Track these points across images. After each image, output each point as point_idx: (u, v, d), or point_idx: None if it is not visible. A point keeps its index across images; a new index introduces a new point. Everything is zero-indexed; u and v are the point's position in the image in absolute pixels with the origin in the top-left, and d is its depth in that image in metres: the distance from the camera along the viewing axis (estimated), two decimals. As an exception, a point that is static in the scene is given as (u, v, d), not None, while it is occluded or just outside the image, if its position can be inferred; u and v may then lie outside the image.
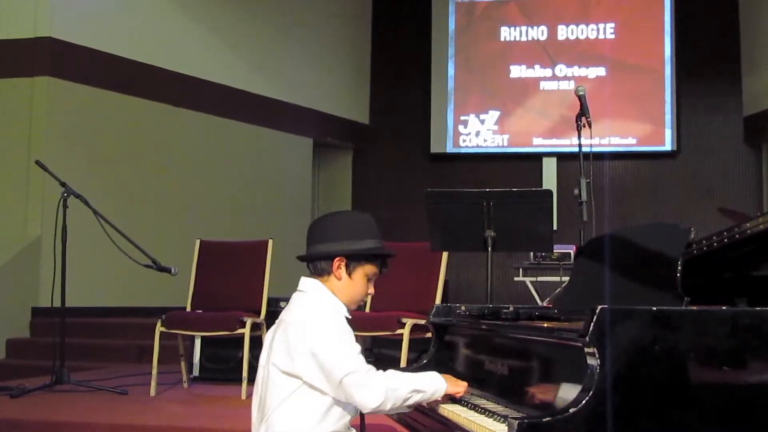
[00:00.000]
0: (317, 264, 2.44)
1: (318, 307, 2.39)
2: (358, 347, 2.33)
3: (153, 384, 5.02)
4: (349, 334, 2.35)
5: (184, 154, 8.50)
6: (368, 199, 10.59)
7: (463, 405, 2.36)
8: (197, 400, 4.89)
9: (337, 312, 2.40)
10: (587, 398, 1.84)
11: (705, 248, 2.25)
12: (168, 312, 5.13)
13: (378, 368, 2.35)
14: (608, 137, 9.95)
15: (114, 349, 6.81)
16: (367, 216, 2.52)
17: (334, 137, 10.53)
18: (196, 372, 5.74)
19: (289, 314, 2.41)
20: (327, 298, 2.43)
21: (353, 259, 2.43)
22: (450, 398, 2.40)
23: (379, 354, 5.66)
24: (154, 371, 5.02)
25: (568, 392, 1.95)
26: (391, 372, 2.37)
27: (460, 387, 2.40)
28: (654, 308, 1.91)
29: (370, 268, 2.46)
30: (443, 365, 2.81)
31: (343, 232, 2.43)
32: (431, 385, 2.36)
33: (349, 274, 2.44)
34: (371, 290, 2.50)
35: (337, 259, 2.42)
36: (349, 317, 2.45)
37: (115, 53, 7.83)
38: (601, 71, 10.17)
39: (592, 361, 1.87)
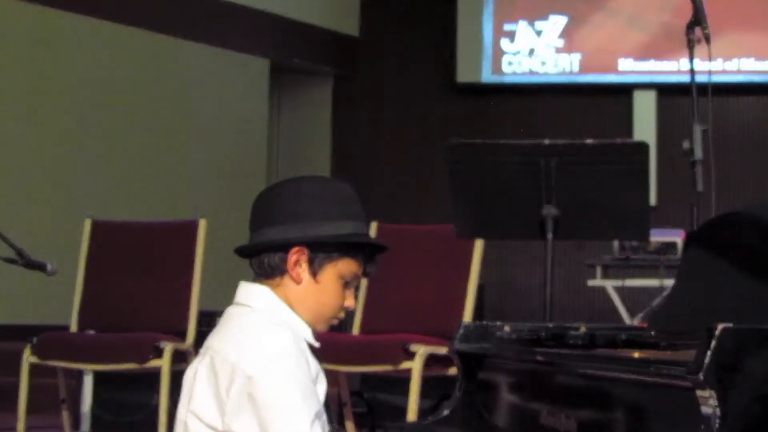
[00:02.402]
0: (264, 259, 2.45)
1: (268, 331, 2.39)
2: (316, 407, 2.35)
3: (19, 445, 5.05)
4: (309, 382, 2.36)
5: (68, 83, 8.48)
6: (357, 157, 10.58)
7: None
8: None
9: (298, 341, 2.41)
10: (701, 470, 1.85)
11: None
12: (42, 333, 5.13)
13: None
14: (737, 59, 9.93)
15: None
16: (344, 185, 2.53)
17: (303, 58, 10.50)
18: (86, 427, 5.78)
19: (218, 340, 2.43)
20: (280, 314, 2.44)
21: (319, 250, 2.44)
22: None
23: (374, 400, 5.68)
24: (21, 426, 5.05)
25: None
26: None
27: None
28: (807, 330, 1.92)
29: (346, 265, 2.47)
30: (474, 419, 2.83)
31: (305, 209, 2.44)
32: None
33: (314, 273, 2.45)
34: (350, 302, 2.52)
35: (295, 250, 2.43)
36: (316, 344, 2.46)
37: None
38: (727, -46, 10.12)
39: (709, 410, 1.88)
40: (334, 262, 2.45)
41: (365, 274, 2.53)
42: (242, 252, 2.51)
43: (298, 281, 2.44)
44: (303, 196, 2.48)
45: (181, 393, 2.49)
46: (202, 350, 2.48)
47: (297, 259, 2.44)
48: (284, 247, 2.43)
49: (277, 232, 2.43)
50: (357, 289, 2.56)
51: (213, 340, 2.44)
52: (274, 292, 2.45)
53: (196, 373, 2.43)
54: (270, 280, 2.46)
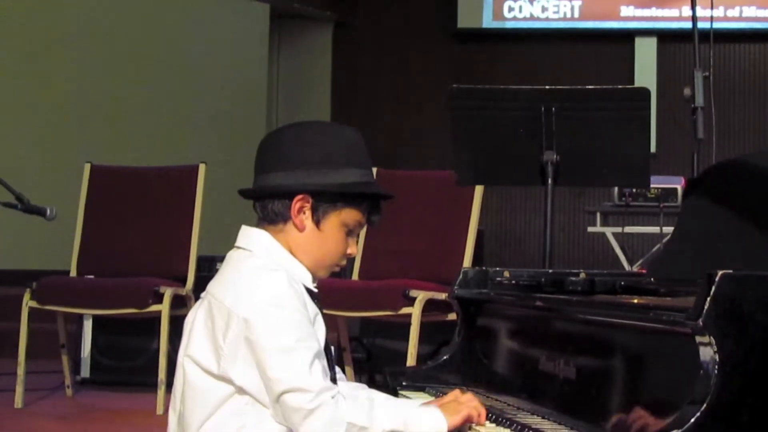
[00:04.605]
0: (267, 204, 2.45)
1: (263, 275, 2.39)
2: (315, 349, 2.34)
3: (19, 390, 5.06)
4: (307, 324, 2.36)
5: (68, 30, 8.44)
6: (357, 102, 10.56)
7: (504, 426, 2.37)
8: (87, 416, 4.93)
9: (293, 284, 2.40)
10: (699, 414, 1.84)
11: None
12: (42, 278, 5.13)
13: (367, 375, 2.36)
14: (739, 6, 9.86)
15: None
16: (351, 131, 2.51)
17: (303, 3, 10.43)
18: (85, 372, 5.80)
19: (218, 285, 2.43)
20: (280, 259, 2.43)
21: (323, 199, 2.43)
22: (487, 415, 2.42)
23: (373, 346, 5.70)
24: (21, 370, 5.06)
25: (668, 405, 1.96)
26: (360, 397, 2.37)
27: (469, 411, 2.39)
28: (807, 276, 1.91)
29: (350, 214, 2.46)
30: (473, 364, 2.83)
31: (311, 155, 2.43)
32: (419, 424, 2.35)
33: (317, 221, 2.44)
34: (352, 249, 2.51)
35: (299, 197, 2.42)
36: (315, 290, 2.46)
37: None
38: None
39: (708, 357, 1.88)
40: (338, 211, 2.44)
41: (370, 223, 2.52)
42: (246, 195, 2.50)
43: (301, 229, 2.44)
44: (309, 141, 2.45)
45: (182, 337, 2.50)
46: (203, 294, 2.47)
47: (301, 206, 2.42)
48: (288, 195, 2.42)
49: (282, 178, 2.42)
50: (357, 235, 2.55)
51: (214, 286, 2.44)
52: (276, 238, 2.44)
53: (195, 318, 2.44)
54: (273, 225, 2.45)
